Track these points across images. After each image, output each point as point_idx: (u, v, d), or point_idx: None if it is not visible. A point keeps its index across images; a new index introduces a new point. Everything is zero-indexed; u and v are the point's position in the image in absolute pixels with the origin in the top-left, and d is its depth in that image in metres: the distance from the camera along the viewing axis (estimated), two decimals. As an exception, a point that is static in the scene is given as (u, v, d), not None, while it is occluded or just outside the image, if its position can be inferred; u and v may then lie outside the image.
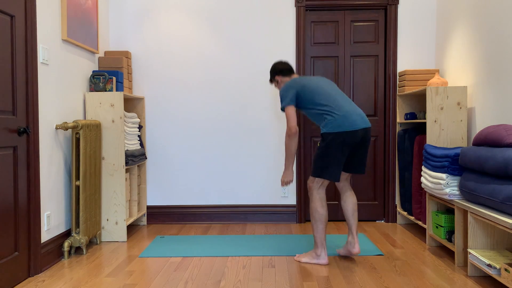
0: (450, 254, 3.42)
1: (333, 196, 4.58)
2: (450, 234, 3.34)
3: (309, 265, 3.18)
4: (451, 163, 3.17)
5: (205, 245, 3.68)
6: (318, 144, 3.07)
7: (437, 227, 3.49)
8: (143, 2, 4.48)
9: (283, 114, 4.49)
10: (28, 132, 2.90)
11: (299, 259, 3.26)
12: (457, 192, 3.13)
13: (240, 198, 4.55)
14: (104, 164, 3.82)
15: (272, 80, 3.43)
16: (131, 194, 4.23)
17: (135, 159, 4.07)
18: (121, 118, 3.80)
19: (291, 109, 3.12)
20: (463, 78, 3.85)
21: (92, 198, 3.58)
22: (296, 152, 3.12)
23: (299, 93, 3.13)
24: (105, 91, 3.88)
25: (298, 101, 3.15)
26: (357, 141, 3.07)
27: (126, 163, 3.87)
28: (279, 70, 3.36)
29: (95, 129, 3.63)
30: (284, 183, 3.23)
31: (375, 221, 4.57)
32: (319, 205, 3.15)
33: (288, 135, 3.12)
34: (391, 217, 4.49)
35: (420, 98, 4.40)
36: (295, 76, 3.38)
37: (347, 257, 3.33)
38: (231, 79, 4.50)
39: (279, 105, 4.48)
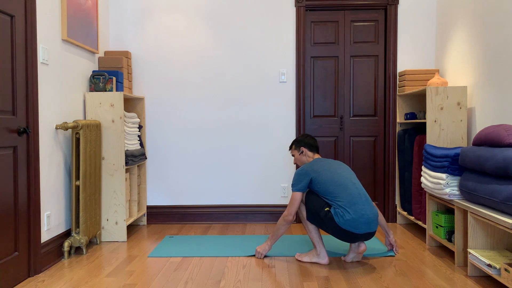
0: (450, 254, 3.41)
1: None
2: (450, 234, 3.34)
3: (309, 265, 3.18)
4: (451, 163, 3.17)
5: (205, 245, 3.68)
6: (327, 209, 3.07)
7: (437, 227, 3.49)
8: (143, 2, 4.48)
9: (283, 113, 4.49)
10: (28, 132, 2.89)
11: (300, 258, 3.27)
12: (457, 192, 3.13)
13: (240, 198, 4.55)
14: (104, 164, 3.82)
15: (295, 148, 3.42)
16: (131, 194, 4.23)
17: (135, 159, 4.07)
18: (121, 118, 3.80)
19: (298, 196, 3.18)
20: (463, 78, 3.85)
21: (92, 198, 3.58)
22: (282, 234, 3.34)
23: (313, 180, 3.16)
24: (105, 91, 3.88)
25: (311, 186, 3.19)
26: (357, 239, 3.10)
27: (126, 163, 3.87)
28: (308, 144, 3.39)
29: (95, 129, 3.63)
30: (258, 252, 3.34)
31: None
32: (303, 209, 3.25)
33: (284, 219, 3.20)
34: (391, 217, 4.49)
35: (420, 98, 4.40)
36: (317, 156, 3.39)
37: (347, 257, 3.33)
38: (231, 79, 4.50)
39: (278, 105, 4.48)
